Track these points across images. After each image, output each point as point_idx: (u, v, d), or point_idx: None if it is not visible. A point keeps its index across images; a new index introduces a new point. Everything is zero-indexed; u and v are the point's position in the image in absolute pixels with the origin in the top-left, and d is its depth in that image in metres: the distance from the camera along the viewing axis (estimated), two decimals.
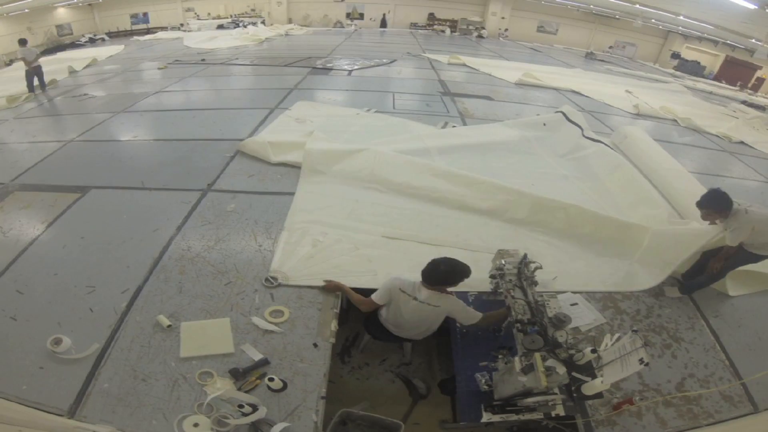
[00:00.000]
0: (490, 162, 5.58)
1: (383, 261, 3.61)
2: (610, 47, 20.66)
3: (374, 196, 4.56)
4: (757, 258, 3.30)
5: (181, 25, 21.47)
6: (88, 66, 11.75)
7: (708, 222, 3.40)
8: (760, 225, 3.13)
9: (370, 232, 3.94)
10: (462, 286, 3.03)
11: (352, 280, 3.33)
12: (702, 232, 3.47)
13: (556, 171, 5.57)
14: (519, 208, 4.32)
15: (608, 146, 6.14)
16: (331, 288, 3.22)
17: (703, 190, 4.88)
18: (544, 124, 6.72)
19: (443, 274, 2.82)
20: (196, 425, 2.26)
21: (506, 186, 4.57)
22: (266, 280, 3.29)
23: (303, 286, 3.27)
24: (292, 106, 7.22)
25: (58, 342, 2.63)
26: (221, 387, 2.47)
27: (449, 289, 2.95)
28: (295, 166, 4.97)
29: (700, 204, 3.30)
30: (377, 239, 3.87)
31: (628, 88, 11.64)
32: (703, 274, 3.49)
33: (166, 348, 2.70)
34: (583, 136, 6.34)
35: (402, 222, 4.16)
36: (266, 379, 2.50)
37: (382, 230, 3.98)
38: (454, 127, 6.80)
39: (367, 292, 3.11)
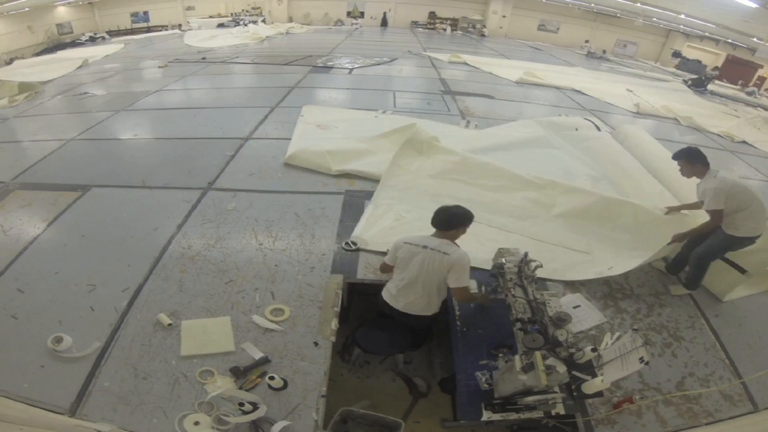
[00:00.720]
0: (533, 160, 5.67)
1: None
2: (604, 51, 20.48)
3: (456, 187, 4.73)
4: (740, 242, 3.30)
5: (180, 25, 21.41)
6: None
7: (685, 176, 3.51)
8: (734, 188, 3.18)
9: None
10: None
11: None
12: (685, 219, 3.61)
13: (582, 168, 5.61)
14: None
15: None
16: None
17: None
18: (576, 129, 6.79)
19: (458, 216, 2.91)
20: (196, 423, 2.26)
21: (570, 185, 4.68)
22: (345, 243, 3.62)
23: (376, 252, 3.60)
24: (302, 111, 6.92)
25: (59, 340, 2.63)
26: (222, 385, 2.47)
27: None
28: (318, 172, 4.90)
29: (676, 156, 3.48)
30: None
31: (630, 86, 11.62)
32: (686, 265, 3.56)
33: (166, 346, 2.71)
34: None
35: (477, 210, 4.21)
36: (267, 377, 2.50)
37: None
38: (476, 126, 6.84)
39: None
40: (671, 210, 3.98)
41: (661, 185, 4.86)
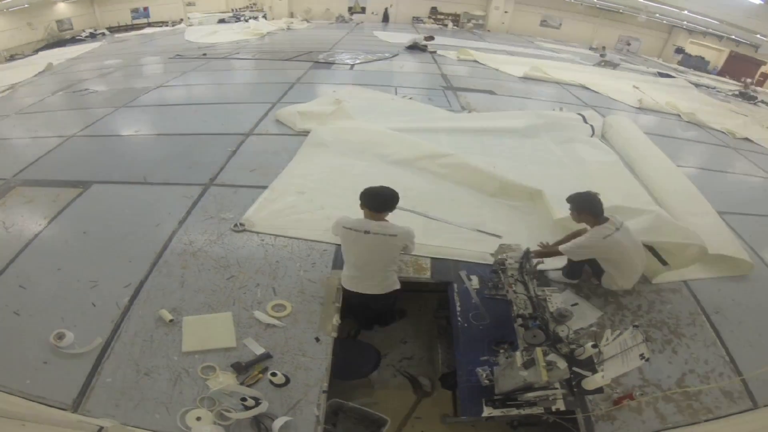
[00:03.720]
0: (487, 144, 5.85)
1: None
2: (603, 48, 20.15)
3: (361, 167, 4.89)
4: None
5: (166, 22, 21.30)
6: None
7: (573, 219, 3.32)
8: (603, 252, 3.14)
9: (341, 196, 4.17)
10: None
11: (307, 233, 3.73)
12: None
13: (551, 156, 5.67)
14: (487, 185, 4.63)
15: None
16: None
17: (687, 182, 5.00)
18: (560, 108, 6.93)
19: (389, 196, 2.90)
20: (198, 419, 2.27)
21: (475, 164, 4.81)
22: (234, 225, 3.75)
23: (259, 233, 3.74)
24: (339, 90, 7.81)
25: (61, 336, 2.64)
26: (223, 381, 2.48)
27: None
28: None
29: (568, 199, 3.26)
30: (344, 201, 3.88)
31: (636, 83, 11.58)
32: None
33: (168, 342, 2.72)
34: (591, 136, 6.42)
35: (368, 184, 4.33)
36: (268, 374, 2.51)
37: (350, 193, 3.97)
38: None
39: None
40: (540, 246, 3.54)
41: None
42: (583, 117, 6.87)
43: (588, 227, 3.22)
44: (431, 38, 15.69)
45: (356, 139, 5.42)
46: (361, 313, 3.51)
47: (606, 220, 3.12)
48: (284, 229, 3.78)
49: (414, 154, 5.06)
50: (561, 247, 3.21)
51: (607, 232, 3.06)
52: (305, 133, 5.62)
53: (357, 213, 2.98)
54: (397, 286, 3.10)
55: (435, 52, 13.05)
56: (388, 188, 2.94)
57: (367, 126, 5.82)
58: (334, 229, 3.02)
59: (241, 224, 3.79)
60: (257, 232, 3.75)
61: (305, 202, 4.17)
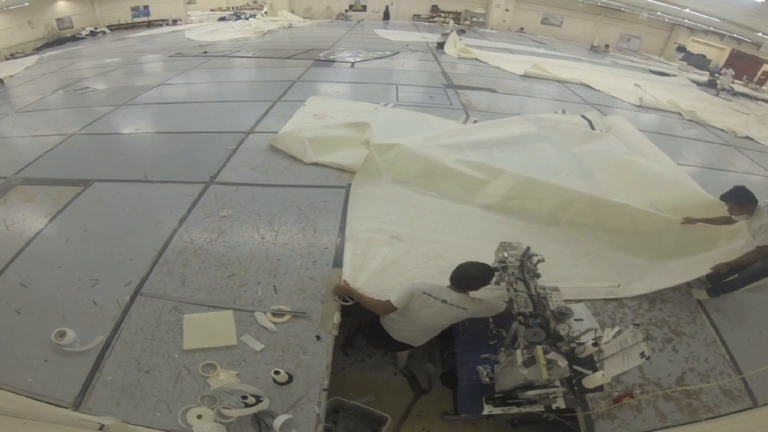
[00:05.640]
0: (521, 156, 5.42)
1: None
2: (607, 46, 20.06)
3: (431, 203, 4.39)
4: None
5: (150, 22, 21.23)
6: None
7: (734, 216, 3.44)
8: None
9: (436, 241, 3.79)
10: None
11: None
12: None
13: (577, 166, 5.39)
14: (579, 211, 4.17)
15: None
16: (340, 291, 3.12)
17: (690, 181, 4.96)
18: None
19: (475, 279, 2.80)
20: (199, 417, 2.28)
21: (564, 187, 4.38)
22: (342, 299, 3.10)
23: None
24: (306, 101, 7.00)
25: (62, 335, 2.65)
26: (224, 379, 2.49)
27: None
28: (321, 165, 4.83)
29: (725, 197, 3.39)
30: (444, 247, 3.69)
31: (638, 81, 11.56)
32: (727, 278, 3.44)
33: (169, 340, 2.73)
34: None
35: (465, 229, 4.01)
36: (272, 372, 2.51)
37: (448, 238, 3.86)
38: (475, 122, 6.64)
39: None
40: (688, 221, 3.83)
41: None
42: (590, 122, 6.84)
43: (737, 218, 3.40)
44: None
45: (406, 168, 4.70)
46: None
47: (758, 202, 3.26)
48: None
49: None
50: (757, 241, 3.16)
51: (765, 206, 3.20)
52: None
53: (467, 256, 2.91)
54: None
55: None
56: (476, 268, 2.79)
57: (422, 151, 4.88)
58: (412, 288, 2.84)
59: (348, 298, 3.13)
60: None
61: (405, 255, 3.57)
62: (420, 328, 2.95)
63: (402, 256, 3.56)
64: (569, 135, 6.17)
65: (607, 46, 20.66)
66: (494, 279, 2.97)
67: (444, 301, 2.78)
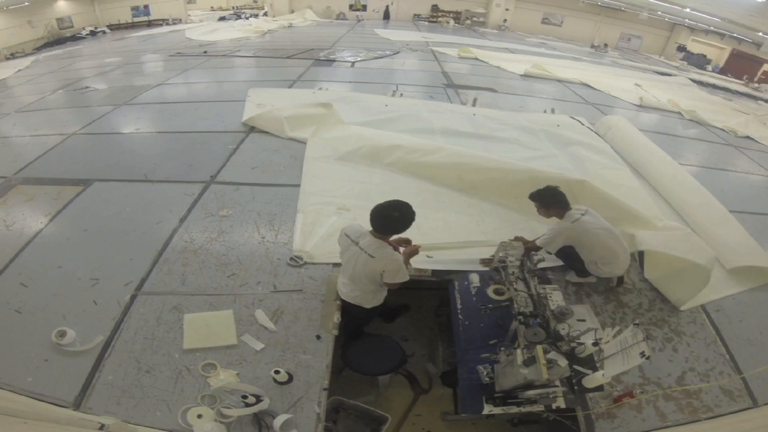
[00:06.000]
0: (489, 146, 5.68)
1: None
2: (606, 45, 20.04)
3: (380, 176, 4.74)
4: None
5: (163, 21, 21.25)
6: None
7: (542, 216, 3.41)
8: (575, 237, 3.15)
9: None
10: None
11: None
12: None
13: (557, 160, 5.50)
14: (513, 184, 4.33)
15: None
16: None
17: (693, 181, 4.96)
18: (558, 125, 6.67)
19: (396, 221, 2.66)
20: (199, 416, 2.28)
21: (503, 163, 4.62)
22: (291, 259, 3.39)
23: (323, 263, 3.42)
24: (249, 93, 7.38)
25: (62, 334, 2.65)
26: (224, 378, 2.49)
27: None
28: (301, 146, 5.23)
29: (531, 196, 3.35)
30: None
31: (638, 81, 11.55)
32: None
33: (169, 340, 2.73)
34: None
35: (406, 198, 4.10)
36: (272, 371, 2.51)
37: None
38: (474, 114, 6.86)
39: None
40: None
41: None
42: (580, 122, 6.86)
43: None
44: None
45: (364, 146, 5.13)
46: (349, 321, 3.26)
47: (570, 208, 3.22)
48: None
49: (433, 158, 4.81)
50: (538, 241, 3.24)
51: (575, 216, 3.15)
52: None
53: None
54: (376, 303, 3.02)
55: None
56: (395, 209, 2.66)
57: (369, 132, 5.57)
58: (340, 232, 2.92)
59: (298, 257, 3.43)
60: (318, 263, 3.42)
61: (350, 221, 3.67)
62: (351, 281, 2.88)
63: (348, 222, 3.70)
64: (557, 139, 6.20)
65: (605, 45, 20.67)
66: (495, 277, 2.97)
67: (356, 243, 2.74)
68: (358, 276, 2.82)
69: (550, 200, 3.24)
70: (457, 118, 6.64)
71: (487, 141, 5.86)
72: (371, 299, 2.96)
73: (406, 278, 2.77)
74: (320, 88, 7.90)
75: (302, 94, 7.66)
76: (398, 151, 4.99)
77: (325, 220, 3.91)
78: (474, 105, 7.35)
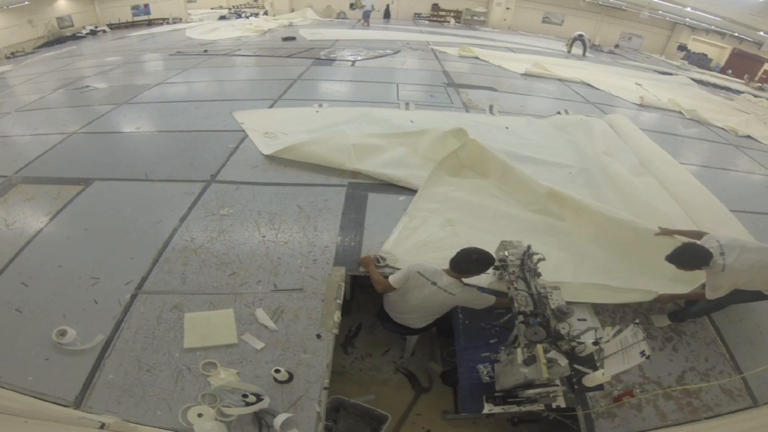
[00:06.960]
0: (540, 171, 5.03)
1: None
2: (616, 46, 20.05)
3: (489, 199, 4.36)
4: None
5: (163, 20, 21.21)
6: None
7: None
8: (742, 278, 2.80)
9: (488, 232, 3.80)
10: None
11: None
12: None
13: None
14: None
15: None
16: (363, 262, 3.33)
17: (694, 181, 4.93)
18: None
19: (475, 263, 2.80)
20: (200, 415, 2.28)
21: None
22: (375, 258, 3.37)
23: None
24: (238, 119, 6.15)
25: (63, 333, 2.65)
26: (225, 377, 2.49)
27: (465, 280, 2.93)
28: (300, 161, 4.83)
29: (670, 259, 2.92)
30: (492, 239, 3.44)
31: (639, 80, 11.54)
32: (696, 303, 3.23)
33: (170, 339, 2.73)
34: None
35: (510, 226, 3.97)
36: (272, 370, 2.52)
37: (500, 231, 3.79)
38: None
39: None
40: (663, 232, 3.52)
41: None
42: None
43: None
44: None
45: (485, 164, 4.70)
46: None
47: (709, 259, 2.82)
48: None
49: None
50: (708, 295, 2.90)
51: (719, 263, 2.80)
52: None
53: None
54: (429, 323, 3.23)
55: None
56: (475, 253, 2.79)
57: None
58: (408, 273, 2.92)
59: (381, 257, 3.38)
60: (394, 268, 3.32)
61: (451, 237, 3.69)
62: (413, 310, 3.04)
63: (448, 237, 3.72)
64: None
65: (616, 46, 20.57)
66: (497, 273, 2.98)
67: (434, 284, 2.85)
68: (428, 310, 3.05)
69: (693, 264, 2.88)
70: (493, 132, 6.05)
71: (539, 166, 5.14)
72: (428, 323, 3.21)
73: (491, 301, 2.97)
74: (320, 105, 6.86)
75: (306, 113, 6.53)
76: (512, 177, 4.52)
77: (427, 229, 3.81)
78: (492, 112, 7.17)
